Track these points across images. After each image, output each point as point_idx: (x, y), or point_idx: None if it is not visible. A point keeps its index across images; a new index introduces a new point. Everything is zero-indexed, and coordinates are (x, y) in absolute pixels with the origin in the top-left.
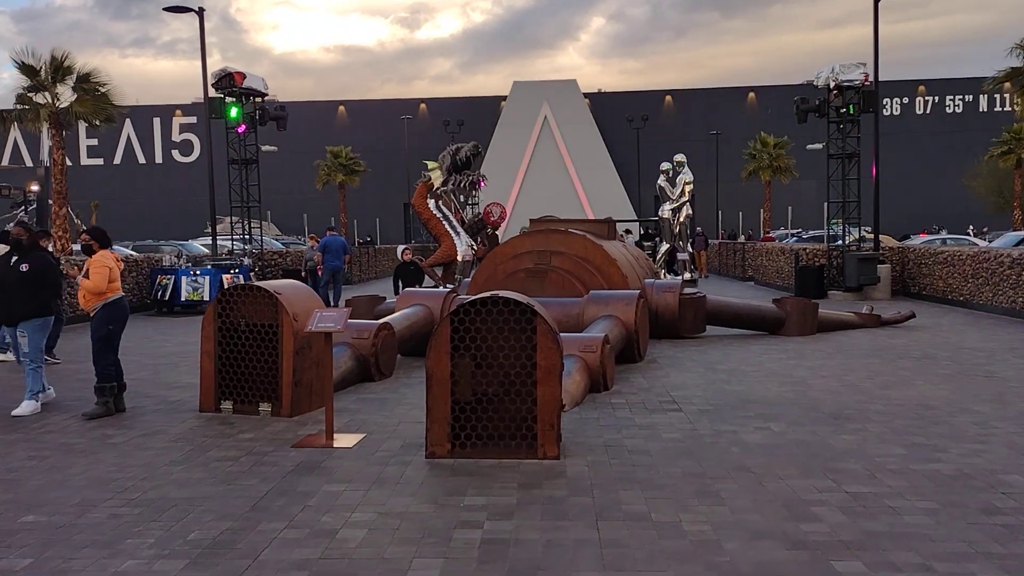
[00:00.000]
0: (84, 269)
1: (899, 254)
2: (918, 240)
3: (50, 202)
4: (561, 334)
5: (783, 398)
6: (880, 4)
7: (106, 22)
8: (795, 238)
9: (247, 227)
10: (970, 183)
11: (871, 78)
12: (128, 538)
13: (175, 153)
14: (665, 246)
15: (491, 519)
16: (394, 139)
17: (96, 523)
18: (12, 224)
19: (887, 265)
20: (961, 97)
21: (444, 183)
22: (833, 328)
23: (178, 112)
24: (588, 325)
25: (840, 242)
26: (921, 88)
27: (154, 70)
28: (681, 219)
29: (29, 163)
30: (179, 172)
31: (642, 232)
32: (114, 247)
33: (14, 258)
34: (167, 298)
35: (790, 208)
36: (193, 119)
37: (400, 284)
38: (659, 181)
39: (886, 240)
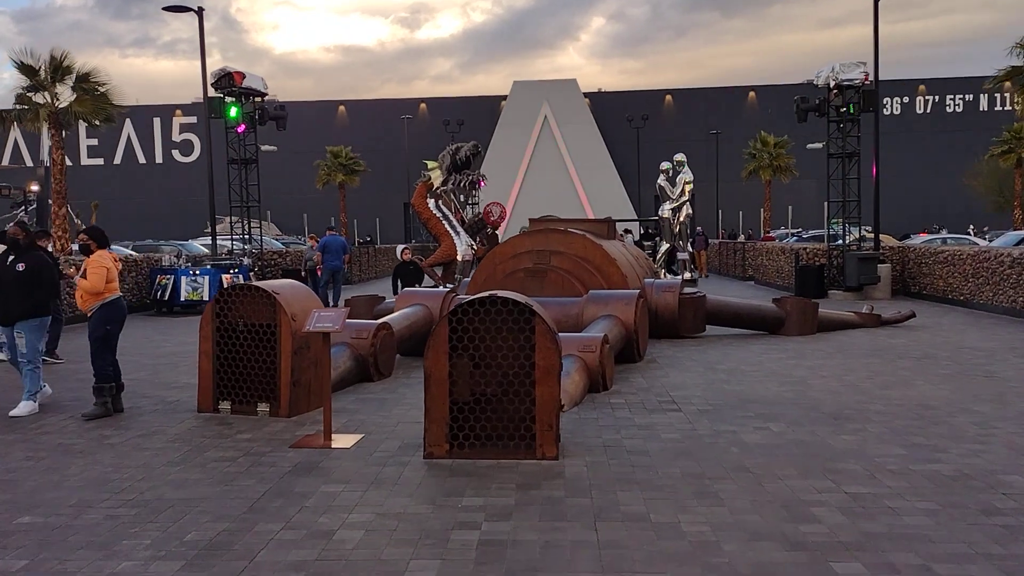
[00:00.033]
0: (82, 269)
1: (899, 253)
2: (918, 239)
3: (50, 202)
4: (560, 334)
5: (783, 398)
6: (880, 4)
7: (106, 22)
8: (795, 237)
9: (247, 227)
10: (970, 182)
11: (871, 77)
12: (124, 539)
13: (175, 153)
14: (665, 246)
15: (489, 520)
16: (394, 139)
17: (92, 524)
18: (12, 224)
19: (887, 264)
20: (961, 96)
21: (444, 183)
22: (833, 328)
23: (178, 112)
24: (587, 325)
25: (840, 241)
26: (921, 87)
27: (155, 70)
28: (681, 219)
29: (29, 163)
30: (179, 172)
31: (642, 232)
32: (114, 247)
33: (10, 257)
34: (167, 298)
35: (790, 208)
36: (193, 119)
37: (399, 284)
38: (659, 181)
39: (886, 239)
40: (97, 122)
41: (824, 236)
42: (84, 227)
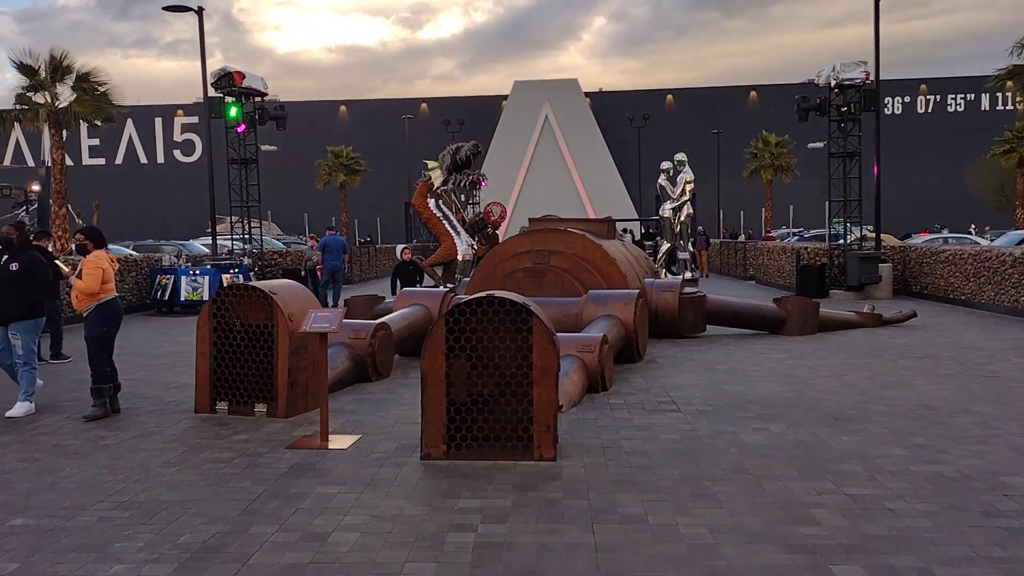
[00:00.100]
0: (78, 269)
1: (900, 253)
2: (920, 239)
3: (50, 202)
4: (559, 334)
5: (783, 398)
6: (881, 3)
7: (108, 22)
8: (796, 237)
9: (247, 227)
10: (972, 182)
11: (872, 77)
12: (117, 542)
13: (177, 153)
14: (666, 245)
15: (485, 522)
16: (395, 139)
17: (85, 526)
18: (7, 224)
19: (888, 264)
20: (963, 96)
21: (444, 182)
22: (834, 327)
23: (180, 112)
24: (587, 325)
25: (841, 241)
26: (922, 87)
27: (156, 70)
28: (682, 218)
29: (31, 163)
30: (181, 172)
31: (643, 231)
32: (114, 247)
33: (4, 257)
34: (167, 298)
35: (791, 207)
36: (195, 119)
37: (398, 284)
38: (660, 180)
39: (887, 239)
40: (97, 122)
41: (825, 235)
42: (83, 226)
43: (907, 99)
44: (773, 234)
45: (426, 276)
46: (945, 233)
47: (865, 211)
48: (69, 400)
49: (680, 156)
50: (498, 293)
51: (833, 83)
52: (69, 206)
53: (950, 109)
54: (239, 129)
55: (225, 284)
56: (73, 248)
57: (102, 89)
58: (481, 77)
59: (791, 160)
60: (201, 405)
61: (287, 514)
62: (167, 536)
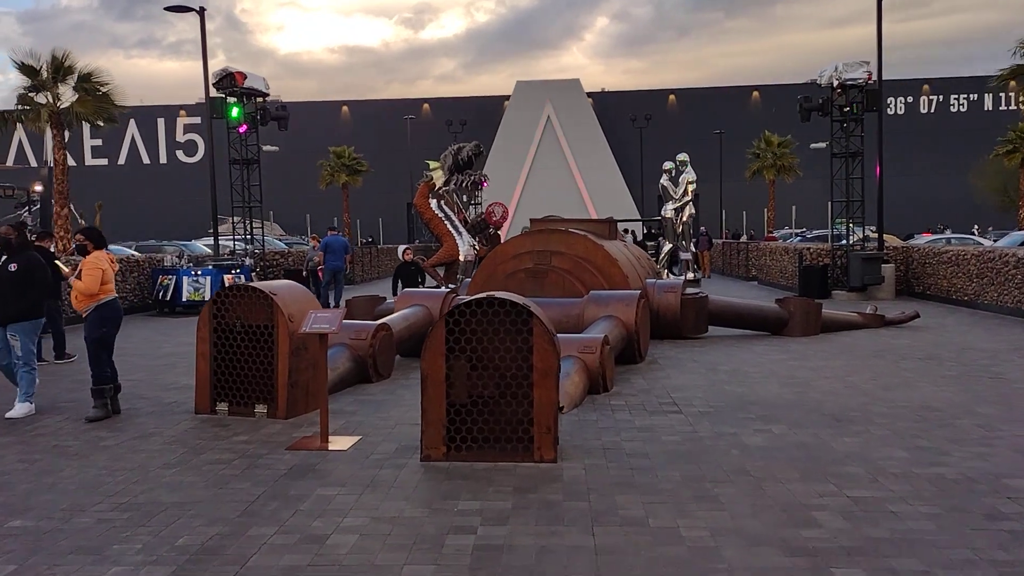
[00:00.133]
0: (77, 270)
1: (903, 253)
2: (922, 239)
3: (53, 202)
4: (560, 335)
5: (785, 400)
6: (883, 3)
7: (111, 23)
8: (799, 237)
9: (249, 227)
10: (975, 182)
11: (874, 77)
12: (115, 544)
13: (179, 153)
14: (668, 246)
15: (485, 524)
16: (397, 139)
17: (84, 528)
18: (5, 224)
19: (891, 265)
20: (966, 96)
21: (446, 183)
22: (837, 328)
23: (182, 112)
24: (588, 325)
25: (844, 241)
26: (925, 87)
27: (159, 71)
28: (684, 219)
29: (33, 163)
30: (183, 172)
31: (645, 232)
32: (116, 247)
33: (3, 258)
34: (168, 298)
35: (794, 207)
36: (197, 119)
37: (399, 284)
38: (662, 180)
39: (890, 239)
40: (99, 122)
41: (828, 236)
42: (83, 227)
43: (910, 99)
44: (775, 234)
45: (428, 277)
46: (948, 233)
47: (868, 211)
48: (69, 401)
49: (682, 156)
50: (498, 294)
51: (835, 83)
52: (71, 206)
53: (953, 109)
54: (241, 129)
55: (227, 284)
56: (73, 248)
57: (104, 89)
58: (483, 77)
59: (793, 160)
60: (201, 406)
61: (286, 516)
62: (165, 538)
